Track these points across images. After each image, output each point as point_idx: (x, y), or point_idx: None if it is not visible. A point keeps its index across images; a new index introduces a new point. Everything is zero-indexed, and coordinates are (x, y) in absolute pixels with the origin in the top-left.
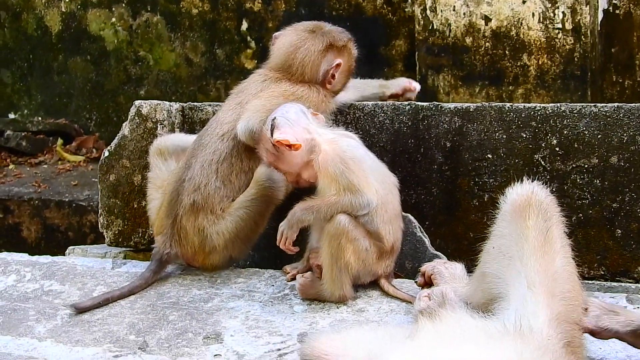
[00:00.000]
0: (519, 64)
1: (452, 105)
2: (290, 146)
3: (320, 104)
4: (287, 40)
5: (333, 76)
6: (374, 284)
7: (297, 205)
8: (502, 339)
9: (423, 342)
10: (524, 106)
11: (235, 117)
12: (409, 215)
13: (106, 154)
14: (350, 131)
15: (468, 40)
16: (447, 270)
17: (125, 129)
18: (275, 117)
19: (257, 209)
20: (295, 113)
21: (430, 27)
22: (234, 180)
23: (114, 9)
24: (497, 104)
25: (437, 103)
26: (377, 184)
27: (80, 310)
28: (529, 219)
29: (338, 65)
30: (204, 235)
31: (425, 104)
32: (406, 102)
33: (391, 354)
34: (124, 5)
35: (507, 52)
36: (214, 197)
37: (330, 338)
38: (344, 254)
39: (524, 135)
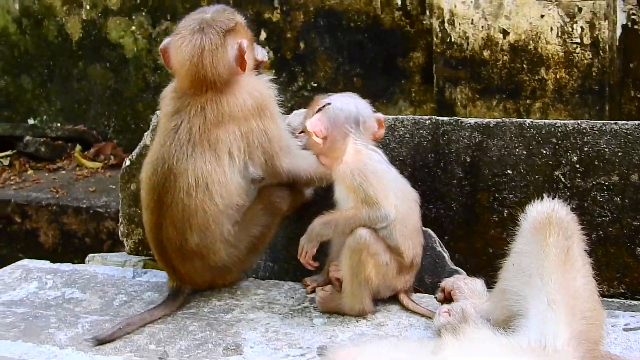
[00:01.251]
0: (536, 77)
1: (472, 121)
2: (315, 134)
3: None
4: (185, 53)
5: (244, 59)
6: (394, 299)
7: (316, 219)
8: (525, 356)
9: (448, 358)
10: (544, 122)
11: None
12: (429, 229)
13: (127, 163)
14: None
15: (486, 53)
16: (466, 286)
17: (147, 138)
18: (328, 103)
19: (265, 221)
20: (346, 114)
21: (448, 40)
22: (234, 207)
23: (134, 17)
24: (517, 119)
25: (458, 118)
26: (397, 199)
27: (101, 342)
28: (549, 237)
29: (242, 46)
30: (217, 266)
31: (445, 118)
32: (427, 117)
33: None
34: (144, 13)
35: (524, 65)
36: (221, 233)
37: (350, 352)
38: (364, 268)
39: (544, 152)
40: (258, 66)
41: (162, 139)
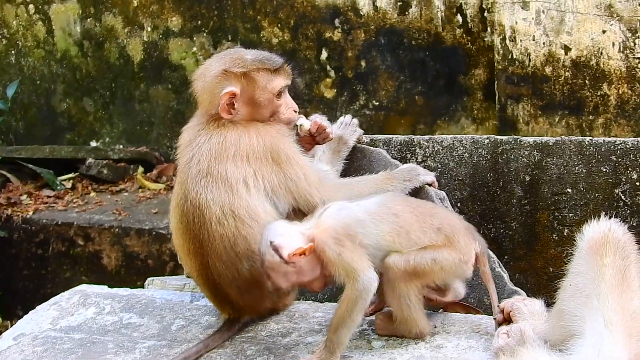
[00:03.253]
0: (599, 93)
1: (531, 139)
2: (304, 253)
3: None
4: (195, 76)
5: (232, 105)
6: (452, 320)
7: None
8: None
9: None
10: (604, 140)
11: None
12: (488, 250)
13: None
14: (429, 165)
15: (548, 69)
16: (526, 307)
17: None
18: (271, 242)
19: None
20: (281, 227)
21: (509, 57)
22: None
23: (195, 38)
24: (576, 137)
25: (517, 137)
26: (379, 224)
27: None
28: (606, 257)
29: (231, 93)
30: (274, 291)
31: (504, 137)
32: (485, 136)
33: None
34: (205, 34)
35: (587, 81)
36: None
37: None
38: (413, 286)
39: (604, 170)
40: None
41: (180, 176)
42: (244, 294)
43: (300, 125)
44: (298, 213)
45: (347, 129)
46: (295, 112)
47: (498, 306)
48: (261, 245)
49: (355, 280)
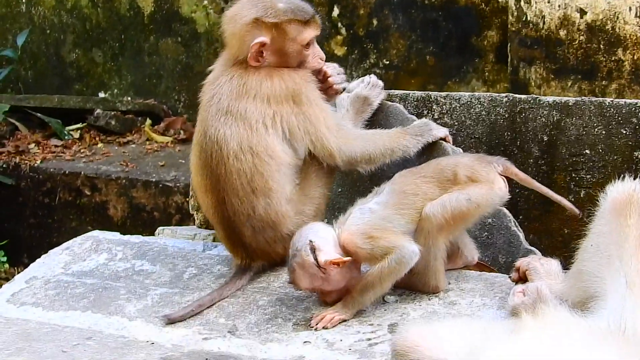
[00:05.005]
0: (613, 58)
1: (550, 99)
2: (338, 264)
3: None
4: (227, 13)
5: (261, 54)
6: (466, 277)
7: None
8: (605, 340)
9: (527, 338)
10: (625, 102)
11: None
12: (503, 208)
13: None
14: (445, 122)
15: (562, 33)
16: (542, 267)
17: None
18: (311, 241)
19: (323, 182)
20: (323, 229)
21: (523, 19)
22: (287, 166)
23: None
24: (597, 98)
25: (536, 96)
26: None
27: (172, 321)
28: (630, 218)
29: (261, 43)
30: (288, 235)
31: (523, 96)
32: (504, 94)
33: (496, 348)
34: None
35: (601, 46)
36: (283, 192)
37: (423, 330)
38: (438, 243)
39: (624, 132)
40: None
41: (201, 113)
42: (257, 234)
43: None
44: (313, 161)
45: (373, 90)
46: (322, 60)
47: (514, 264)
48: (298, 240)
49: (393, 253)
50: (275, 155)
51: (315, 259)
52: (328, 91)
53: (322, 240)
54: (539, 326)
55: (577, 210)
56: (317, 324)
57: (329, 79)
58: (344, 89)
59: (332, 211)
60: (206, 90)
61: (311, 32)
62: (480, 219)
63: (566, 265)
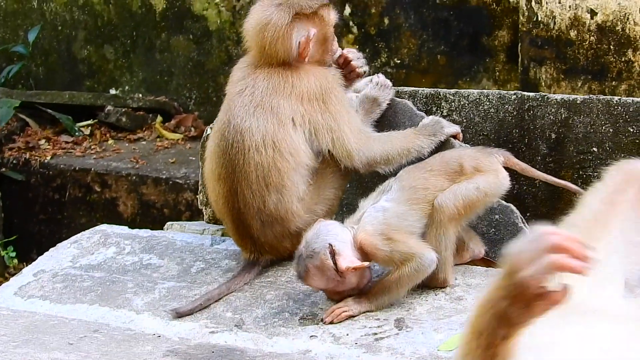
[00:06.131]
0: (623, 59)
1: (558, 97)
2: (356, 269)
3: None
4: (253, 20)
5: (309, 48)
6: (473, 273)
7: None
8: None
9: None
10: (632, 100)
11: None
12: (511, 205)
13: (208, 131)
14: (454, 119)
15: (572, 33)
16: None
17: None
18: (331, 245)
19: (337, 184)
20: (341, 231)
21: (534, 19)
22: (305, 167)
23: None
24: (604, 97)
25: (544, 94)
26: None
27: (180, 315)
28: None
29: (312, 36)
30: (296, 232)
31: (531, 94)
32: (512, 92)
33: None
34: None
35: (611, 47)
36: (297, 192)
37: None
38: (448, 233)
39: (631, 130)
40: (329, 62)
41: (227, 104)
42: (266, 228)
43: None
44: (331, 161)
45: (383, 91)
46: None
47: None
48: (315, 241)
49: (413, 260)
50: (296, 153)
51: (335, 264)
52: (350, 75)
53: (341, 245)
54: None
55: (582, 191)
56: (327, 318)
57: (351, 62)
58: (364, 72)
59: (340, 206)
60: (236, 85)
61: (334, 12)
62: (486, 210)
63: None
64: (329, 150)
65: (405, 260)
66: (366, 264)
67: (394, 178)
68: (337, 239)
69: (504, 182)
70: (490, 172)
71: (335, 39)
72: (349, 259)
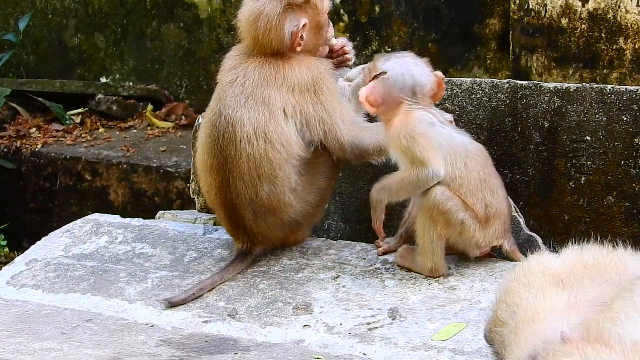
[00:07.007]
0: (614, 47)
1: (551, 85)
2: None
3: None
4: (247, 11)
5: (302, 37)
6: (467, 262)
7: (374, 186)
8: None
9: None
10: (626, 89)
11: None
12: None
13: (200, 120)
14: (447, 107)
15: (564, 21)
16: None
17: None
18: (385, 72)
19: (329, 173)
20: (401, 85)
21: (525, 7)
22: (296, 158)
23: None
24: (597, 85)
25: (537, 82)
26: (450, 157)
27: (173, 304)
28: None
29: (303, 25)
30: (289, 221)
31: (524, 82)
32: (505, 80)
33: None
34: None
35: (603, 34)
36: (289, 182)
37: None
38: (435, 226)
39: (625, 118)
40: (325, 50)
41: (218, 94)
42: (258, 219)
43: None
44: (323, 152)
45: None
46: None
47: None
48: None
49: (419, 168)
50: (288, 145)
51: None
52: (341, 63)
53: (386, 81)
54: None
55: None
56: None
57: (347, 54)
58: (353, 62)
59: (333, 195)
60: (227, 74)
61: (327, 0)
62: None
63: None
64: (320, 142)
65: (412, 164)
66: (374, 108)
67: None
68: (393, 76)
69: (475, 251)
70: (483, 233)
71: (331, 25)
72: (368, 91)
